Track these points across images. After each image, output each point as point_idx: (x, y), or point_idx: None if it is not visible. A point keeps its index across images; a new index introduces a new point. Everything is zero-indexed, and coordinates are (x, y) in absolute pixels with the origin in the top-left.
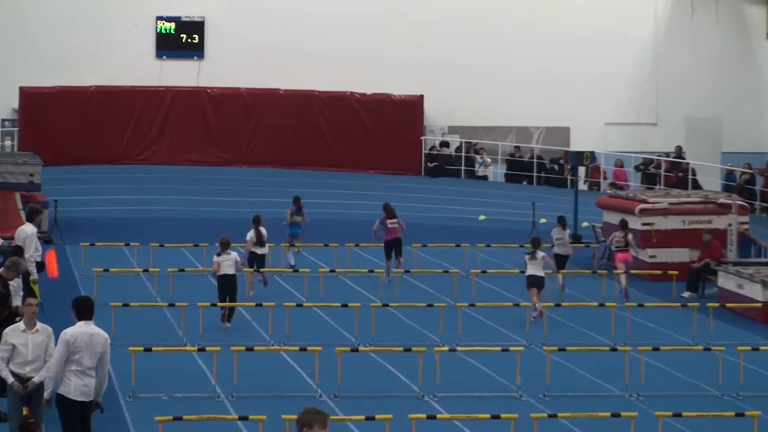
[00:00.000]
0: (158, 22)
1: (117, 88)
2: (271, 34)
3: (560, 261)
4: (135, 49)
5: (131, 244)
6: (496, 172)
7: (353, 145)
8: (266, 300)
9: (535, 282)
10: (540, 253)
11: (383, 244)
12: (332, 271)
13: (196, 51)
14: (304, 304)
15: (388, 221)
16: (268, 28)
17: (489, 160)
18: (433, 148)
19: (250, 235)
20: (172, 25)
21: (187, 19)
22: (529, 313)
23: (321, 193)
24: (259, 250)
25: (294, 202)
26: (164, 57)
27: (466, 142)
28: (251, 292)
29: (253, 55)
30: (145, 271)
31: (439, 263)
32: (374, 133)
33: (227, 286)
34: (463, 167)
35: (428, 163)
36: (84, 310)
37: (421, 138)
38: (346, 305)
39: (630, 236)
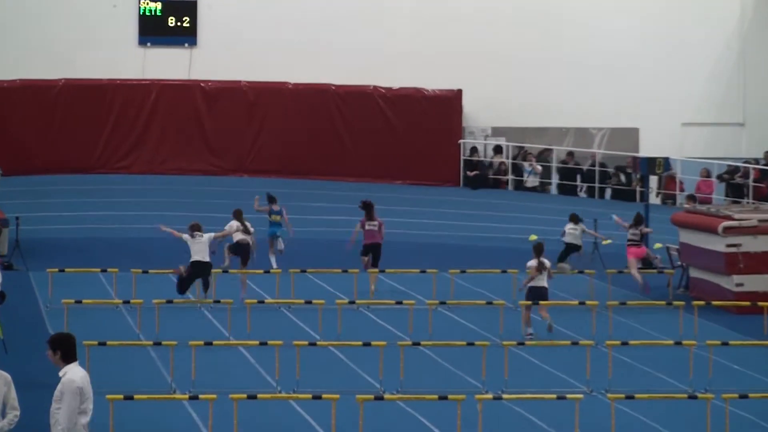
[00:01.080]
0: (141, 1)
1: (91, 82)
2: (279, 17)
3: (568, 251)
4: (113, 34)
5: (108, 270)
6: (547, 182)
7: (377, 151)
8: (272, 336)
9: (542, 295)
10: (547, 263)
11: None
12: (352, 302)
13: (186, 37)
14: (318, 342)
15: (367, 223)
16: (274, 10)
17: (539, 167)
18: (473, 152)
19: (234, 223)
20: (158, 5)
21: None
22: (527, 330)
23: (338, 209)
24: (245, 238)
25: (269, 200)
26: (148, 44)
27: (514, 147)
28: (243, 293)
29: (256, 42)
30: (126, 302)
31: (482, 293)
32: (402, 135)
33: (201, 274)
34: (510, 176)
35: (467, 172)
36: (73, 349)
37: (459, 141)
38: (369, 344)
39: (649, 230)
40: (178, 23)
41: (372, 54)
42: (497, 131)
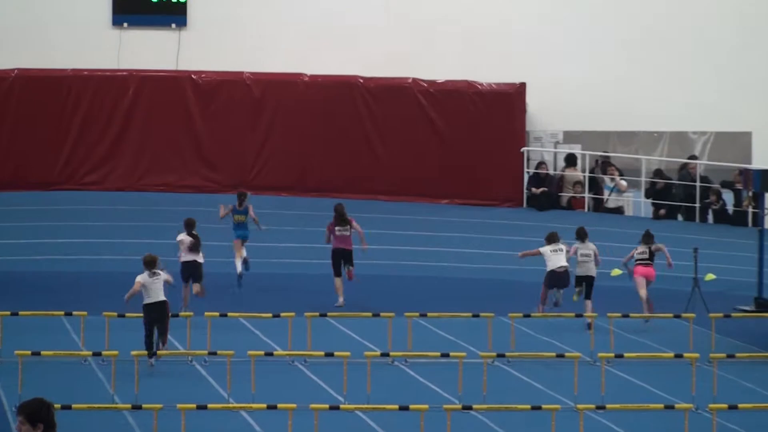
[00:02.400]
0: None
1: (51, 73)
2: None
3: (588, 285)
4: (79, 12)
5: (74, 313)
6: (637, 202)
7: (417, 162)
8: (283, 398)
9: (562, 278)
10: (563, 246)
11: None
12: (385, 354)
13: (174, 16)
14: (341, 406)
15: (337, 228)
16: None
17: (624, 183)
18: (540, 165)
19: (183, 237)
20: None
21: None
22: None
23: (367, 236)
24: (193, 257)
25: (238, 197)
26: (125, 25)
27: (591, 156)
28: (184, 307)
29: (263, 23)
30: (97, 354)
31: (551, 342)
32: (450, 141)
33: (156, 317)
34: (586, 194)
35: (532, 189)
36: (52, 418)
37: (522, 149)
38: (407, 408)
39: (663, 247)
40: None
41: (410, 37)
42: (570, 137)
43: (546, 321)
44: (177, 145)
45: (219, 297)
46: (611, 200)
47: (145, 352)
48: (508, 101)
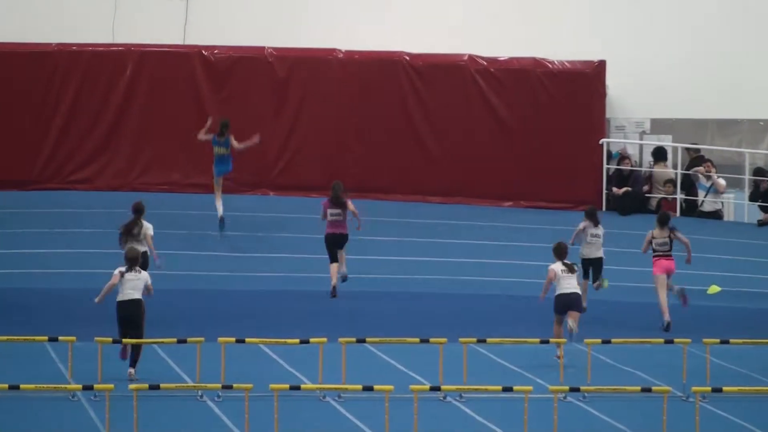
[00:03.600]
0: None
1: (33, 48)
2: None
3: (597, 267)
4: None
5: (60, 338)
6: (739, 204)
7: (475, 155)
8: None
9: (574, 303)
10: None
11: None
12: (435, 388)
13: None
14: None
15: (330, 211)
16: None
17: (723, 182)
18: (623, 159)
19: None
20: None
21: None
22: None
23: (415, 245)
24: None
25: (221, 127)
26: None
27: (684, 149)
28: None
29: None
30: (88, 388)
31: (633, 373)
32: (514, 131)
33: (128, 316)
34: (678, 195)
35: (614, 189)
36: None
37: (602, 141)
38: None
39: (680, 234)
40: None
41: (465, 6)
42: (659, 125)
43: (631, 347)
44: (184, 135)
45: (235, 319)
46: (707, 202)
47: (146, 385)
48: (585, 83)
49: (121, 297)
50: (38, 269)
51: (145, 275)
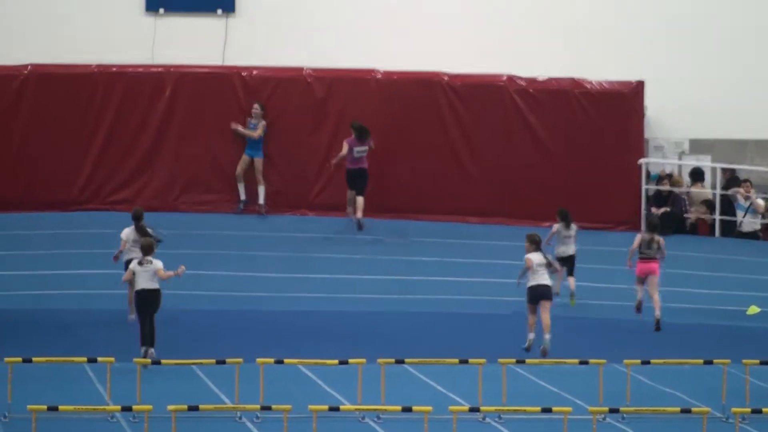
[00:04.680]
0: None
1: (73, 70)
2: None
3: (570, 263)
4: None
5: (99, 359)
6: None
7: (513, 175)
8: None
9: (545, 293)
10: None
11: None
12: (475, 409)
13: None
14: None
15: (356, 148)
16: None
17: (762, 202)
18: (662, 179)
19: (128, 233)
20: None
21: None
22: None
23: (455, 266)
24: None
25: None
26: (161, 10)
27: (723, 170)
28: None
29: (326, 9)
30: (127, 409)
31: (673, 394)
32: (552, 152)
33: (147, 303)
34: (716, 216)
35: (652, 209)
36: None
37: (641, 161)
38: None
39: (662, 244)
40: None
41: (503, 26)
42: (698, 146)
43: (670, 368)
44: (222, 156)
45: (274, 340)
46: (746, 223)
47: (185, 406)
48: (623, 103)
49: (140, 286)
50: (78, 290)
51: (157, 263)
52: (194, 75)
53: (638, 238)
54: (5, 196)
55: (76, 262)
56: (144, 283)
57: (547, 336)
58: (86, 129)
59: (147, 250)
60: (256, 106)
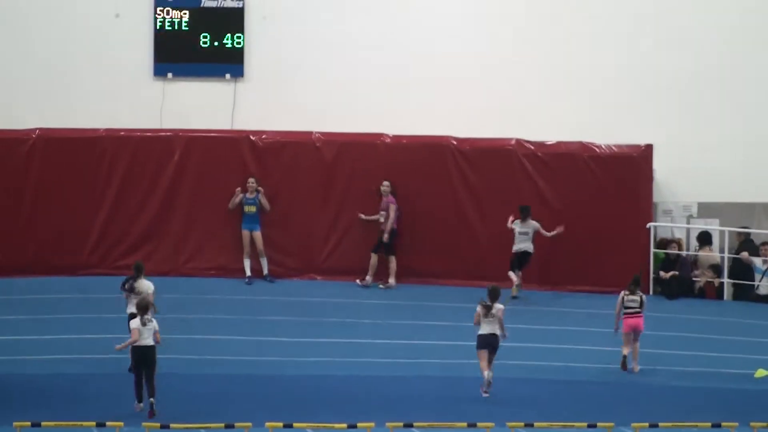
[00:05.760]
0: (157, 9)
1: (80, 134)
2: (370, 35)
3: (524, 259)
4: (115, 60)
5: (108, 424)
6: None
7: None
8: None
9: (491, 342)
10: (498, 306)
11: None
12: None
13: (228, 65)
14: None
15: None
16: (360, 24)
17: None
18: (669, 242)
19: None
20: (184, 15)
21: (213, 3)
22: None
23: (467, 330)
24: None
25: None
26: (169, 75)
27: (731, 233)
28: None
29: (335, 73)
30: None
31: None
32: (560, 214)
33: (145, 359)
34: (726, 280)
35: (661, 272)
36: None
37: (649, 225)
38: None
39: (644, 296)
40: (215, 43)
41: (513, 91)
42: (707, 209)
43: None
44: (232, 219)
45: (283, 404)
46: (763, 286)
47: None
48: (632, 167)
49: (140, 343)
50: (86, 354)
51: (154, 324)
52: (203, 139)
53: (621, 297)
54: (17, 260)
55: (84, 327)
56: (144, 340)
57: (491, 373)
58: (94, 193)
59: (145, 309)
60: (251, 180)
